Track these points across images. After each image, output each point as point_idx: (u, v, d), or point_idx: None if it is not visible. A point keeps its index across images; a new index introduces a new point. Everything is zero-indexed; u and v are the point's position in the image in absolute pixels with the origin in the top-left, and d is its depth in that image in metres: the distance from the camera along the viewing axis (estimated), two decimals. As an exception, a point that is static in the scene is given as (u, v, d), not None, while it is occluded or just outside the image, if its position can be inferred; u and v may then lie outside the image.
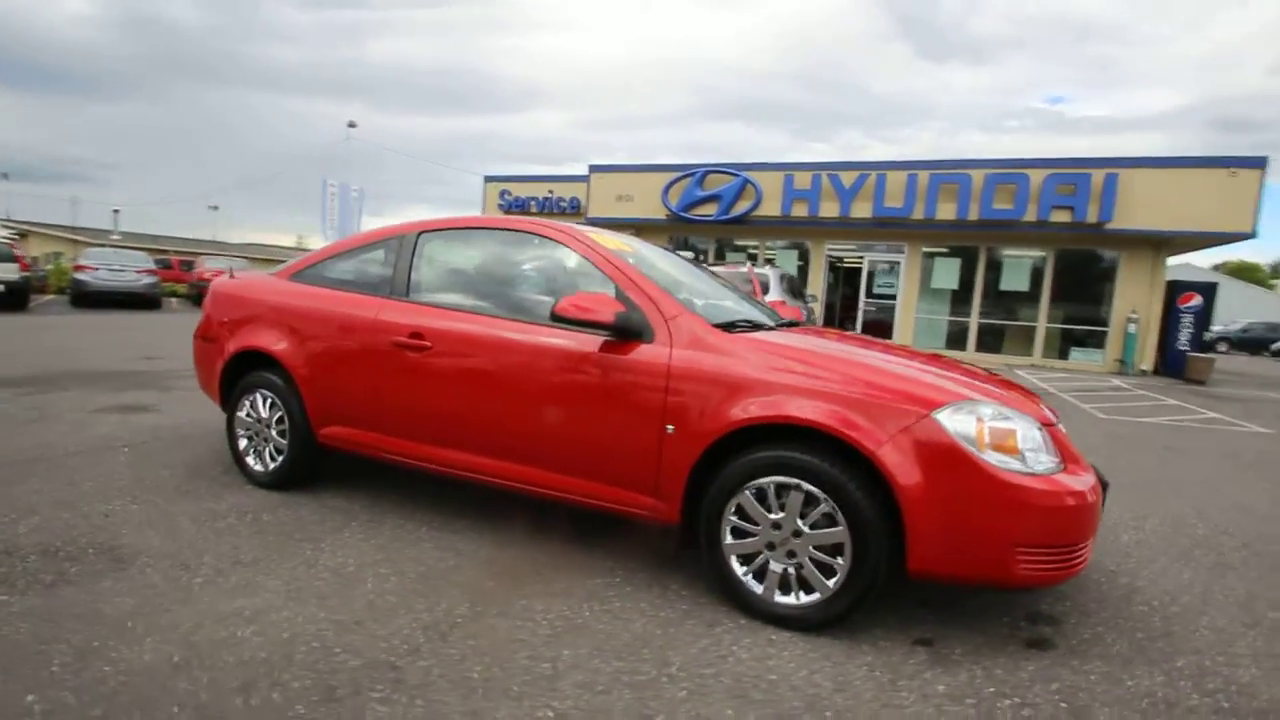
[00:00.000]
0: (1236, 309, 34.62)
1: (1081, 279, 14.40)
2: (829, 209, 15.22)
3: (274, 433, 3.32)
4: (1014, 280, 14.85)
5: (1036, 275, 14.60)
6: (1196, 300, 13.40)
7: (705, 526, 2.32)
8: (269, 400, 3.30)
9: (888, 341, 3.46)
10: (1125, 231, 12.85)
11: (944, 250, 15.42)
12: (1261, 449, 6.19)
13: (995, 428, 2.06)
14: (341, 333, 3.10)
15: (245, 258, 37.04)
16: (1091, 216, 12.83)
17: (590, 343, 2.53)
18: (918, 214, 14.31)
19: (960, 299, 15.40)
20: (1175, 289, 13.68)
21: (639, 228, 18.17)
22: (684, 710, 1.73)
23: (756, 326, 2.78)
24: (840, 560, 2.13)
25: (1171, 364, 13.37)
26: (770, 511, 2.22)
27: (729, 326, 2.56)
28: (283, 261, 4.24)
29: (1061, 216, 13.08)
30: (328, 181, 23.68)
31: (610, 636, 2.10)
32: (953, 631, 2.25)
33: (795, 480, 2.15)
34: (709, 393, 2.29)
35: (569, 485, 2.58)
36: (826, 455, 2.13)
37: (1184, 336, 13.42)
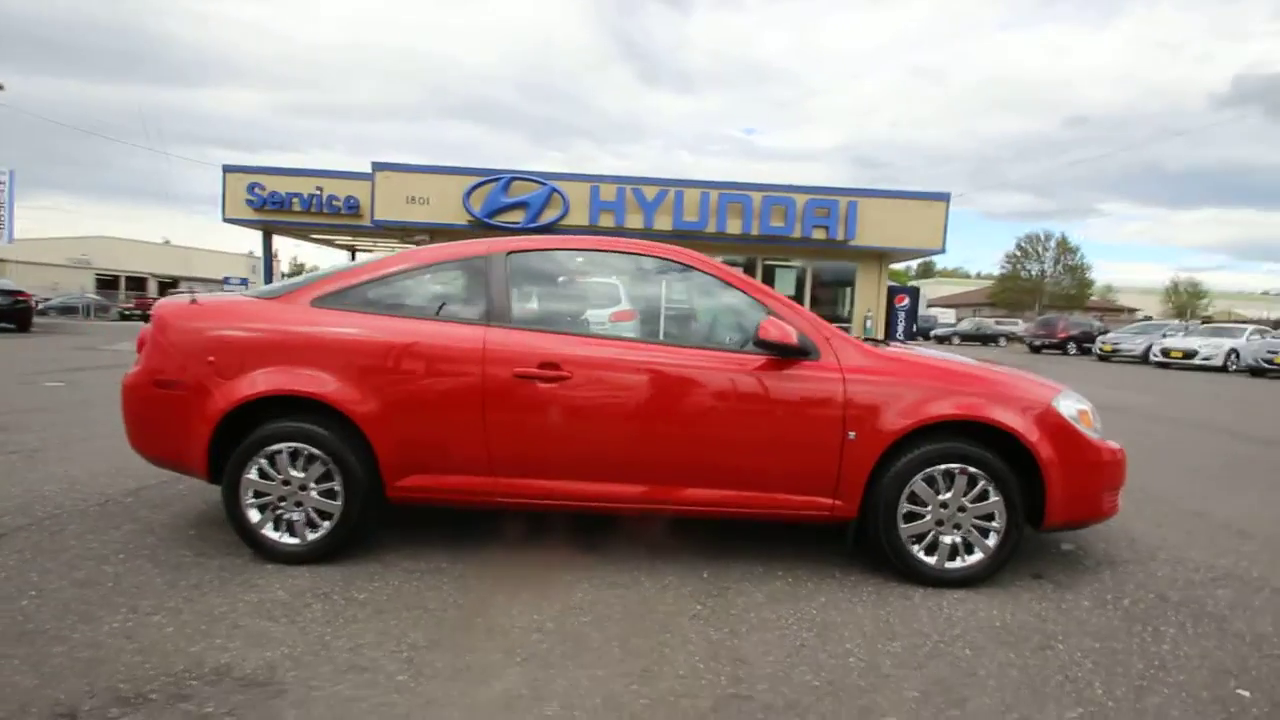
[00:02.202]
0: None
1: (831, 285, 17.70)
2: (634, 220, 16.26)
3: (314, 494, 2.73)
4: (783, 287, 17.58)
5: (800, 282, 17.51)
6: (906, 301, 17.47)
7: (884, 515, 2.66)
8: (303, 455, 2.70)
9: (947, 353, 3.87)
10: (862, 247, 16.18)
11: (736, 260, 17.57)
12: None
13: (1081, 409, 2.79)
14: (434, 367, 2.70)
15: None
16: (840, 235, 15.88)
17: (749, 362, 2.69)
18: (711, 228, 16.10)
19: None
20: (892, 292, 17.63)
21: (434, 232, 17.20)
22: (960, 641, 2.07)
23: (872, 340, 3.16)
24: (995, 524, 2.67)
25: (893, 350, 17.24)
26: (938, 493, 2.66)
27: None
28: None
29: (819, 234, 15.95)
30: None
31: (850, 616, 2.32)
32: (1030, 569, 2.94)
33: (960, 465, 2.63)
34: (886, 400, 2.63)
35: (744, 500, 2.69)
36: (978, 442, 2.65)
37: (900, 329, 17.39)
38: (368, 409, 2.67)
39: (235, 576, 2.61)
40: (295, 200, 17.76)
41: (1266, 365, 15.21)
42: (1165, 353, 18.00)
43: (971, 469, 2.63)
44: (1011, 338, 33.87)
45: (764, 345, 2.60)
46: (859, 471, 2.64)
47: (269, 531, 2.75)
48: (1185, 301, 57.18)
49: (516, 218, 16.46)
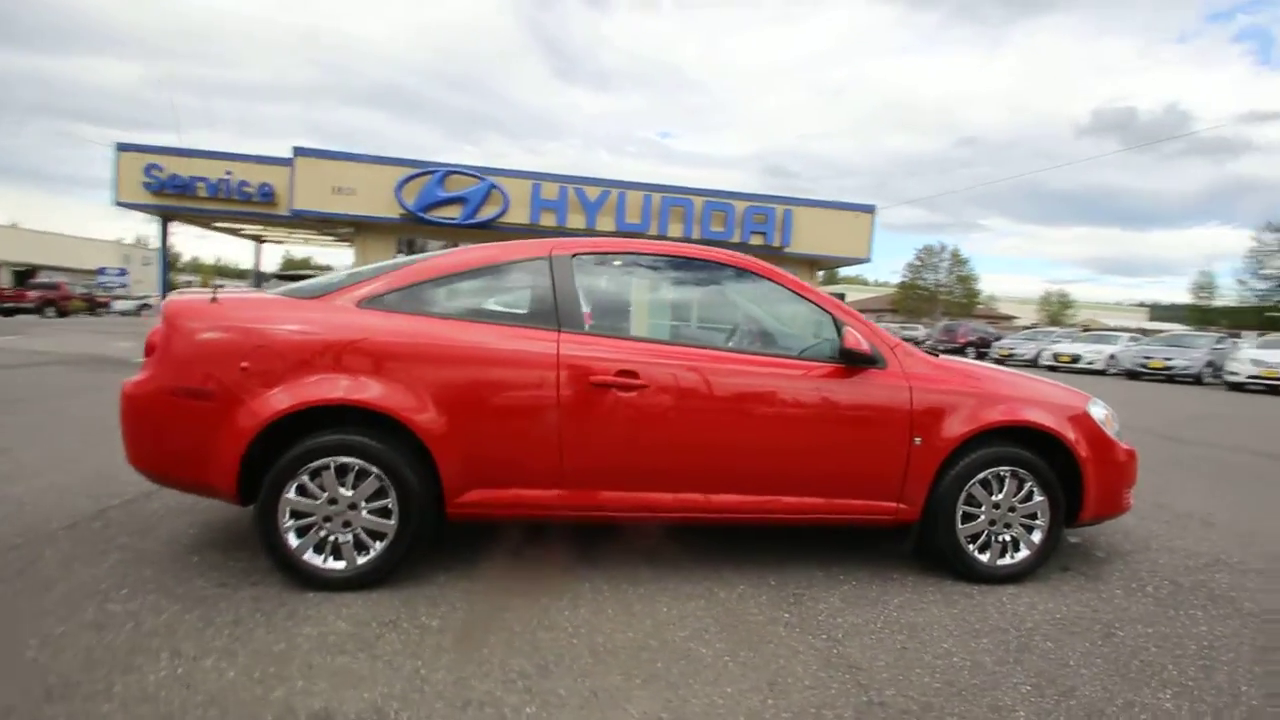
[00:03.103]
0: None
1: (764, 289, 18.26)
2: (576, 220, 16.07)
3: (365, 514, 2.51)
4: (720, 290, 17.97)
5: (735, 286, 17.94)
6: (834, 306, 18.30)
7: (942, 517, 2.78)
8: (353, 472, 2.48)
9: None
10: (796, 254, 16.80)
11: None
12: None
13: (1106, 414, 3.03)
14: (505, 375, 2.55)
15: None
16: (776, 241, 16.42)
17: (818, 370, 2.73)
18: (653, 230, 16.17)
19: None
20: (820, 297, 18.41)
21: (360, 225, 16.29)
22: (1036, 634, 2.21)
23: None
24: (1039, 522, 2.85)
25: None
26: (991, 495, 2.81)
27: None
28: None
29: (757, 240, 16.40)
30: None
31: (925, 616, 2.41)
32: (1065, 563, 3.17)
33: (1011, 467, 2.79)
34: (947, 406, 2.74)
35: (818, 506, 2.72)
36: (1022, 444, 2.82)
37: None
38: (431, 420, 2.48)
39: (275, 608, 2.36)
40: (200, 185, 16.26)
41: (1141, 369, 17.17)
42: (1055, 357, 19.94)
43: (1020, 470, 2.80)
44: (915, 343, 36.21)
45: (849, 355, 2.64)
46: (923, 476, 2.74)
47: (310, 556, 2.50)
48: (1056, 310, 63.54)
49: (453, 213, 15.86)
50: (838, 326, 2.76)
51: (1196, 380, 16.54)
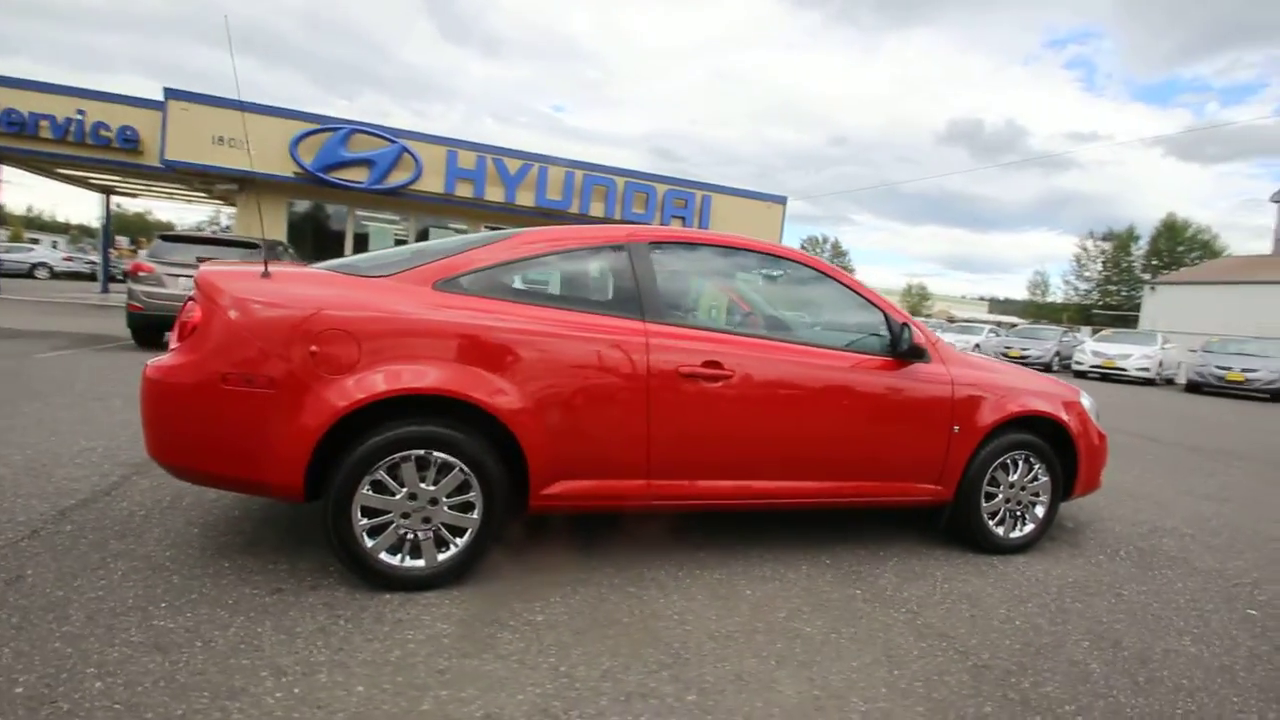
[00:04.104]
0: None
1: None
2: (495, 194, 15.46)
3: (446, 509, 2.38)
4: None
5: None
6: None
7: (972, 496, 3.08)
8: (436, 465, 2.34)
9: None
10: (712, 239, 17.28)
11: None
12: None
13: (1090, 404, 3.48)
14: (597, 363, 2.50)
15: None
16: (694, 225, 16.75)
17: (873, 362, 2.92)
18: (575, 209, 15.94)
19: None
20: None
21: (246, 182, 14.69)
22: (1065, 596, 2.57)
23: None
24: (1043, 499, 3.24)
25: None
26: (1008, 475, 3.16)
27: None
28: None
29: (677, 224, 16.63)
30: None
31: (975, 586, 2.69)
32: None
33: (1024, 451, 3.15)
34: (980, 397, 3.03)
35: (862, 489, 2.91)
36: (1032, 431, 3.19)
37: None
38: (520, 409, 2.39)
39: (356, 614, 2.19)
40: (44, 124, 13.84)
41: (1001, 357, 19.47)
42: (930, 344, 22.07)
43: (1030, 454, 3.17)
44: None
45: (914, 351, 2.84)
46: (959, 460, 3.02)
47: (388, 555, 2.34)
48: (916, 303, 70.06)
49: (359, 176, 14.67)
50: (890, 322, 2.94)
51: (1047, 368, 19.04)
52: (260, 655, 1.92)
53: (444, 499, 2.37)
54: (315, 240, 14.81)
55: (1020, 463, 3.17)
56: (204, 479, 2.35)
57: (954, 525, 3.15)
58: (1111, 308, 41.32)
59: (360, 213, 15.89)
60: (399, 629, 2.12)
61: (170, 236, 9.34)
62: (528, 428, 2.40)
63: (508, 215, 15.99)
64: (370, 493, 2.30)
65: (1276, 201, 27.09)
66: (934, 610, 2.54)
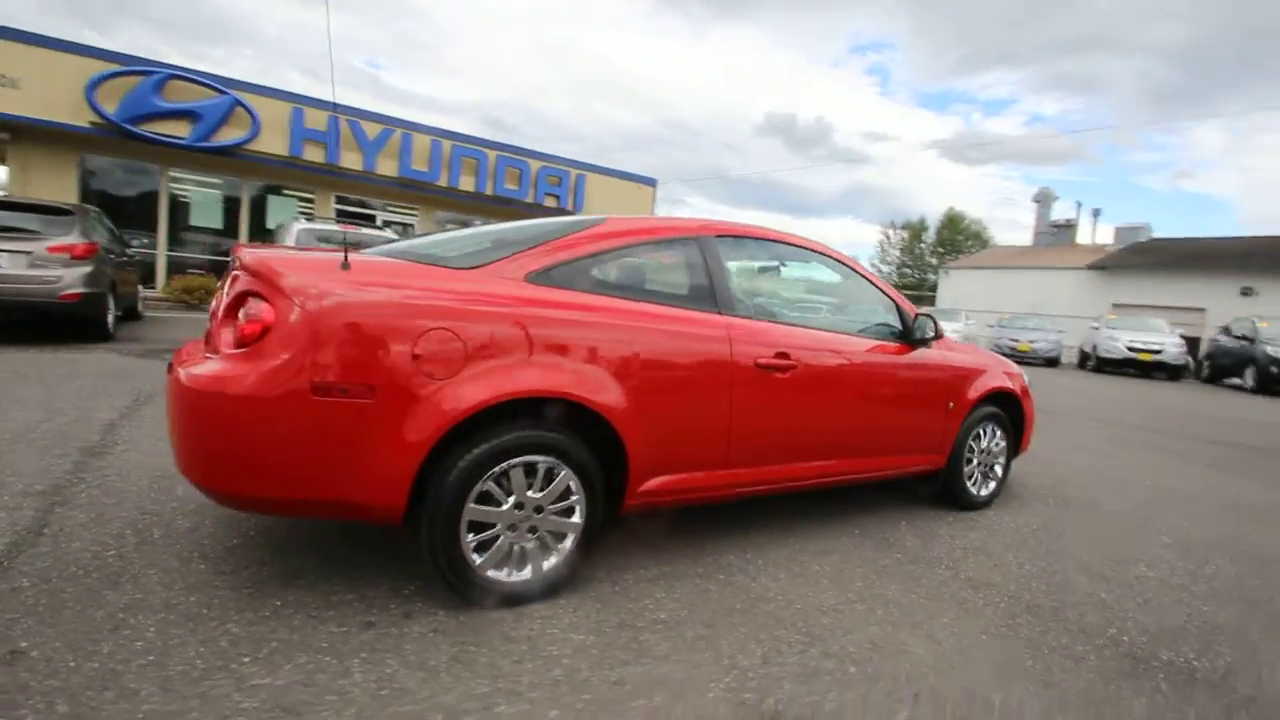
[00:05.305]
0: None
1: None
2: (351, 160, 14.04)
3: (552, 515, 2.27)
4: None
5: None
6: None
7: (959, 463, 3.54)
8: (544, 471, 2.22)
9: None
10: (586, 219, 17.21)
11: (463, 220, 16.61)
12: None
13: (1028, 378, 4.13)
14: (688, 357, 2.49)
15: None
16: (569, 205, 16.58)
17: (891, 347, 3.24)
18: (443, 181, 14.98)
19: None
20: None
21: (22, 130, 11.90)
22: (1034, 540, 3.12)
23: None
24: (1002, 460, 3.82)
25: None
26: (980, 442, 3.67)
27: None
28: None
29: (551, 202, 16.35)
30: None
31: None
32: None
33: (992, 422, 3.69)
34: (964, 376, 3.49)
35: (879, 464, 3.23)
36: (997, 404, 3.75)
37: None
38: (624, 408, 2.33)
39: (479, 636, 2.04)
40: None
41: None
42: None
43: (995, 424, 3.72)
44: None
45: (924, 339, 3.19)
46: (951, 433, 3.46)
47: (495, 572, 2.17)
48: (749, 281, 75.58)
49: (179, 131, 12.50)
50: (901, 313, 3.28)
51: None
52: (416, 698, 1.71)
53: (548, 506, 2.24)
54: (113, 205, 12.33)
55: (988, 430, 3.70)
56: (277, 507, 2.00)
57: (944, 489, 3.61)
58: (909, 288, 47.85)
59: (177, 173, 13.57)
60: (537, 646, 2.00)
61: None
62: (631, 426, 2.34)
63: (366, 184, 14.62)
64: (477, 505, 2.11)
65: (1037, 201, 33.09)
66: (966, 564, 2.92)
